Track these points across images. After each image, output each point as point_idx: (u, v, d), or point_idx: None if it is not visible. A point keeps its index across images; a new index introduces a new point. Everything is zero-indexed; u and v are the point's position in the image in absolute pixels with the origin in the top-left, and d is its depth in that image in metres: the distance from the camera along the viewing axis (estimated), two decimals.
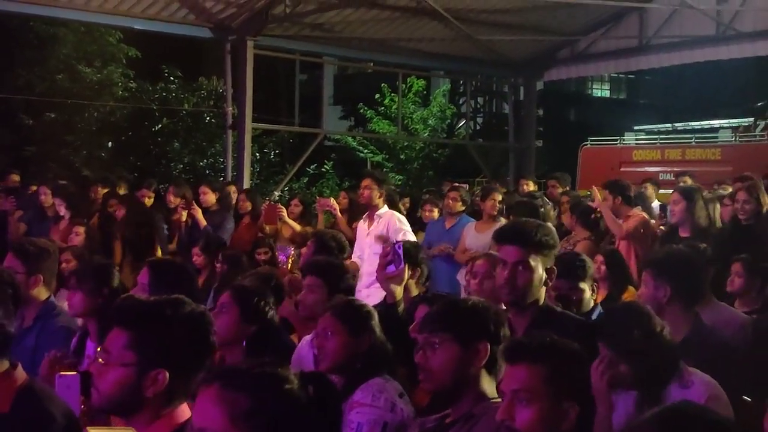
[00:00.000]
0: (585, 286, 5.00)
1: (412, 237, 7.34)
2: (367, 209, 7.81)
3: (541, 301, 3.73)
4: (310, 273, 4.80)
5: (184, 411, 2.48)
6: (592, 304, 5.09)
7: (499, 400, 2.95)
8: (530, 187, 10.73)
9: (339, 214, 9.01)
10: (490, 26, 15.43)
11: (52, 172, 12.84)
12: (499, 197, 8.72)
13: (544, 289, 3.79)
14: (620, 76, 38.36)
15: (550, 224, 4.27)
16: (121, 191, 10.37)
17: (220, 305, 4.26)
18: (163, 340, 2.47)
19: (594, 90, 41.85)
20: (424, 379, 3.13)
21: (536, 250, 3.69)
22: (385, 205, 7.80)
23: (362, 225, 7.88)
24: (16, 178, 11.35)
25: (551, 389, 2.63)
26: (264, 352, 3.95)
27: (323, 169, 25.13)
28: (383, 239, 7.47)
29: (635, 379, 3.35)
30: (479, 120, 34.61)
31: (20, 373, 2.97)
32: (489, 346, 3.05)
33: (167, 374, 2.44)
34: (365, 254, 7.63)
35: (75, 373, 3.28)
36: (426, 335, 3.12)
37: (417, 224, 9.66)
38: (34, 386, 2.95)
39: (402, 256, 4.34)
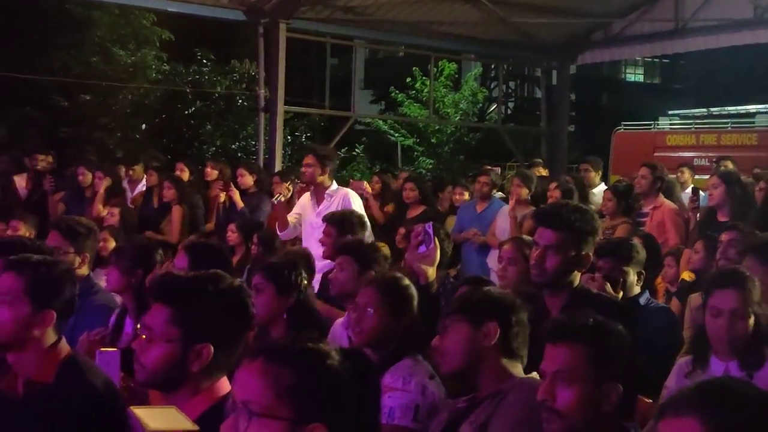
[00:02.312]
0: (630, 269, 4.98)
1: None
2: (314, 187, 7.39)
3: (576, 284, 3.75)
4: (341, 252, 4.85)
5: (224, 385, 2.53)
6: (638, 289, 5.06)
7: (527, 376, 2.97)
8: (541, 173, 10.69)
9: (371, 198, 9.03)
10: (523, 9, 15.33)
11: (94, 154, 12.91)
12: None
13: (578, 273, 3.80)
14: (654, 60, 37.98)
15: (591, 209, 4.25)
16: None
17: (255, 286, 4.31)
18: (206, 314, 2.51)
19: (627, 74, 41.50)
20: (440, 363, 3.21)
21: (572, 234, 3.70)
22: (334, 182, 7.47)
23: (307, 203, 7.50)
24: (52, 159, 11.46)
25: (592, 370, 2.61)
26: (304, 325, 4.02)
27: (354, 153, 25.15)
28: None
29: None
30: (510, 104, 34.44)
31: (64, 346, 3.05)
32: (498, 328, 3.08)
33: (211, 348, 2.49)
34: (312, 234, 7.13)
35: (115, 349, 3.35)
36: (441, 320, 3.21)
37: (448, 208, 9.69)
38: (78, 359, 3.03)
39: (432, 236, 4.35)
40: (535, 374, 2.98)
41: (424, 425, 3.43)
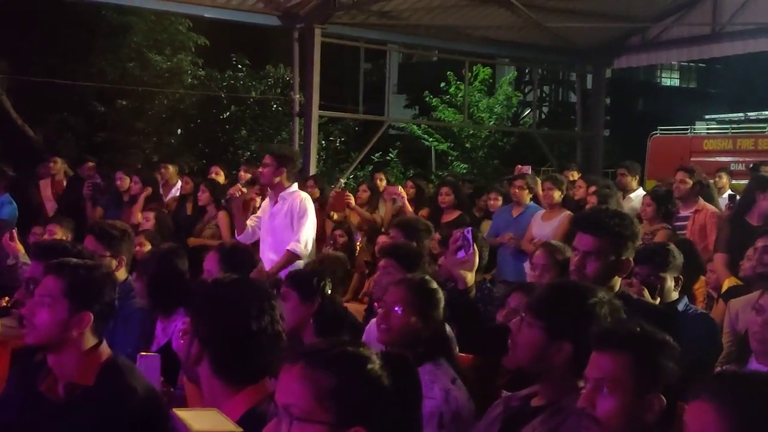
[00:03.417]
0: (667, 275, 4.93)
1: (312, 221, 6.96)
2: (269, 188, 7.16)
3: (616, 289, 3.71)
4: (386, 255, 4.86)
5: (264, 387, 2.55)
6: (676, 295, 5.00)
7: None
8: (574, 177, 10.64)
9: (406, 202, 9.01)
10: (559, 13, 15.26)
11: (136, 158, 13.05)
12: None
13: (618, 278, 3.77)
14: (690, 64, 37.66)
15: (630, 214, 4.22)
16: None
17: (282, 294, 4.36)
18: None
19: (663, 78, 41.18)
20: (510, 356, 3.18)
21: (611, 240, 3.67)
22: (294, 185, 7.15)
23: (265, 204, 7.32)
24: (91, 164, 11.60)
25: (636, 379, 2.54)
26: (334, 328, 4.04)
27: (388, 158, 25.17)
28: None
29: None
30: (545, 109, 34.31)
31: (105, 349, 3.08)
32: (572, 349, 2.94)
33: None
34: (266, 238, 7.05)
35: (156, 354, 3.38)
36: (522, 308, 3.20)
37: (483, 212, 9.66)
38: (118, 361, 3.06)
39: (471, 241, 4.32)
40: None
41: (449, 431, 3.41)
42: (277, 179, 6.93)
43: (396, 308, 3.71)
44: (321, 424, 1.97)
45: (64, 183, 11.13)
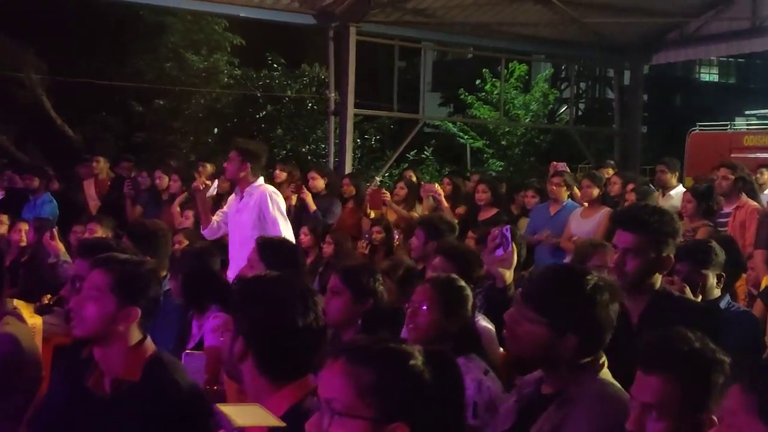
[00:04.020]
0: (709, 272, 4.88)
1: (284, 219, 6.82)
2: (237, 184, 6.94)
3: (657, 286, 3.68)
4: (441, 254, 4.85)
5: (308, 382, 2.56)
6: (718, 292, 4.95)
7: (596, 378, 2.85)
8: (609, 174, 10.57)
9: (443, 199, 8.99)
10: (596, 9, 15.16)
11: (174, 158, 13.16)
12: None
13: (659, 276, 3.73)
14: (729, 59, 37.23)
15: (671, 211, 4.18)
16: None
17: (331, 289, 4.30)
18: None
19: (702, 74, 40.76)
20: (508, 344, 3.08)
21: (651, 237, 3.63)
22: (260, 179, 6.95)
23: (231, 199, 7.11)
24: (128, 163, 11.73)
25: (686, 402, 2.46)
26: (379, 329, 4.02)
27: (423, 155, 25.14)
28: None
29: None
30: (581, 105, 34.10)
31: (150, 345, 3.11)
32: (577, 342, 2.84)
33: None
34: (234, 233, 6.87)
35: (201, 352, 3.41)
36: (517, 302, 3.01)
37: (520, 210, 9.62)
38: (163, 357, 3.08)
39: (510, 239, 4.31)
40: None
41: (483, 421, 3.42)
42: (242, 174, 6.79)
43: (422, 307, 3.75)
44: (362, 419, 1.98)
45: (108, 182, 11.26)
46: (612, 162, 13.32)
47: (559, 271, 3.13)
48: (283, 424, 2.07)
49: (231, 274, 6.40)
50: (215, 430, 2.25)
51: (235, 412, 2.06)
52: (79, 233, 8.25)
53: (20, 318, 3.93)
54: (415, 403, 1.98)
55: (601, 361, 2.88)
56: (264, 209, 6.69)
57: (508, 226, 4.43)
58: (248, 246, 6.37)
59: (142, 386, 2.98)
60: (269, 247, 4.92)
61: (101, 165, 11.48)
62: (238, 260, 6.44)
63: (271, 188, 6.96)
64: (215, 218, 7.07)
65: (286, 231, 6.71)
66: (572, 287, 2.85)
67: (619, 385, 2.86)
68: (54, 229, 7.51)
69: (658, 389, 2.47)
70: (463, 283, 3.92)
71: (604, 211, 8.11)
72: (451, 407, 2.04)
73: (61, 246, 7.35)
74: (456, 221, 7.71)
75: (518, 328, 2.89)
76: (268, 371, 2.57)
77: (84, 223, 8.27)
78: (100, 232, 7.23)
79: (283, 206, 6.90)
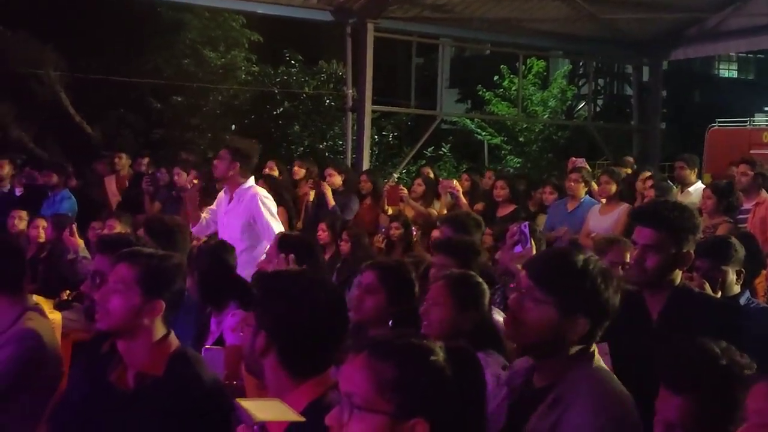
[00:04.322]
0: (729, 269, 4.85)
1: (276, 222, 6.63)
2: (227, 184, 6.78)
3: (677, 282, 3.66)
4: (440, 251, 4.82)
5: (328, 377, 2.56)
6: (737, 289, 4.92)
7: (589, 368, 2.72)
8: (628, 172, 10.53)
9: (461, 196, 8.98)
10: (614, 4, 15.10)
11: (192, 154, 13.16)
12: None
13: (679, 271, 3.71)
14: (748, 55, 36.97)
15: (692, 207, 4.15)
16: None
17: (366, 286, 4.21)
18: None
19: (721, 70, 40.52)
20: (510, 334, 2.90)
21: (671, 233, 3.61)
22: (250, 180, 6.80)
23: (220, 198, 6.95)
24: (146, 159, 11.77)
25: (711, 421, 2.43)
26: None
27: (440, 152, 25.11)
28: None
29: None
30: (599, 102, 33.96)
31: (173, 340, 3.13)
32: (588, 324, 2.72)
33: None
34: (224, 234, 6.62)
35: (219, 347, 3.42)
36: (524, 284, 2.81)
37: (538, 206, 9.60)
38: (186, 352, 3.10)
39: (528, 236, 4.29)
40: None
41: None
42: (231, 173, 6.64)
43: (435, 304, 3.76)
44: (381, 414, 1.98)
45: (127, 179, 11.31)
46: (631, 159, 13.27)
47: (565, 251, 3.04)
48: (303, 419, 2.08)
49: None
50: (236, 424, 2.25)
51: (255, 407, 2.06)
52: (97, 229, 8.30)
53: (42, 313, 3.96)
54: (435, 399, 1.98)
55: (591, 350, 2.77)
56: (256, 215, 6.54)
57: (527, 223, 4.42)
58: (237, 247, 6.07)
59: (165, 381, 2.99)
60: (288, 242, 4.91)
61: (123, 161, 11.53)
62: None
63: (262, 191, 6.80)
64: (204, 215, 6.97)
65: (278, 229, 6.44)
66: (580, 267, 2.73)
67: (612, 375, 2.79)
68: (73, 226, 7.56)
69: (682, 409, 2.45)
70: (478, 279, 3.91)
71: (623, 208, 8.09)
72: (472, 403, 2.03)
73: (80, 242, 7.40)
74: None
75: (523, 312, 2.73)
76: (290, 366, 2.56)
77: (102, 220, 8.32)
78: (119, 228, 7.26)
79: (274, 208, 6.77)
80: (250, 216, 6.54)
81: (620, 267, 5.00)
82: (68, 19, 19.36)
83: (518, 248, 4.25)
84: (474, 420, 2.03)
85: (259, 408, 2.06)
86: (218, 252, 5.12)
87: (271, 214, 6.63)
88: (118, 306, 3.09)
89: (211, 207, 7.03)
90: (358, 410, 1.99)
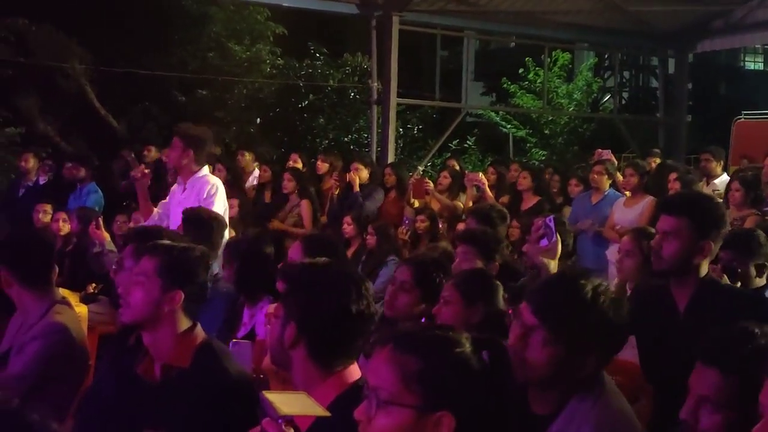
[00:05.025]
0: (751, 262, 4.83)
1: (219, 209, 6.23)
2: (177, 172, 6.56)
3: (703, 274, 3.63)
4: (464, 242, 4.82)
5: (354, 371, 2.55)
6: (759, 282, 4.89)
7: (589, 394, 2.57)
8: (657, 162, 10.47)
9: (487, 189, 8.96)
10: None
11: (218, 146, 13.18)
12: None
13: (705, 264, 3.69)
14: None
15: (719, 200, 4.12)
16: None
17: (401, 283, 4.21)
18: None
19: (747, 62, 40.16)
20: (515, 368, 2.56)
21: (691, 221, 3.58)
22: (204, 168, 6.51)
23: (174, 190, 6.67)
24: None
25: (744, 398, 2.37)
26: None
27: (465, 145, 25.05)
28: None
29: None
30: (625, 94, 33.76)
31: (199, 332, 3.14)
32: (597, 359, 2.58)
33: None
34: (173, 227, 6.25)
35: (248, 341, 3.43)
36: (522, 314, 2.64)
37: (564, 198, 9.57)
38: (213, 344, 3.11)
39: (554, 229, 4.27)
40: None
41: None
42: (184, 161, 6.39)
43: (446, 302, 3.83)
44: (406, 406, 1.97)
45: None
46: (658, 151, 13.18)
47: (570, 280, 2.69)
48: (329, 414, 2.07)
49: None
50: (262, 417, 2.25)
51: (281, 400, 2.06)
52: (121, 223, 8.35)
53: (70, 306, 3.99)
54: (460, 392, 1.98)
55: (600, 376, 2.63)
56: (207, 203, 6.21)
57: (552, 216, 4.40)
58: None
59: (191, 373, 3.00)
60: (313, 241, 4.89)
61: (152, 154, 11.58)
62: None
63: (214, 179, 6.55)
64: (156, 209, 6.70)
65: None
66: (589, 299, 2.55)
67: (621, 398, 2.65)
68: (99, 219, 7.60)
69: (716, 383, 2.42)
70: (487, 274, 3.93)
71: (648, 200, 8.05)
72: (498, 396, 2.03)
73: (106, 235, 7.45)
74: None
75: (528, 350, 2.54)
76: (318, 358, 2.55)
77: (128, 213, 8.37)
78: (144, 221, 7.30)
79: (224, 196, 6.44)
80: (201, 204, 6.18)
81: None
82: (93, 12, 19.43)
83: (544, 242, 4.22)
84: (500, 412, 2.03)
85: (285, 401, 2.05)
86: (258, 243, 5.13)
87: (223, 202, 6.36)
88: (139, 298, 3.11)
89: (163, 201, 6.75)
90: (384, 404, 1.98)
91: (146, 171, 6.87)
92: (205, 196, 6.25)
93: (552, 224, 4.24)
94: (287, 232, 8.83)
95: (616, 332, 2.60)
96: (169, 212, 6.51)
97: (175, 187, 6.63)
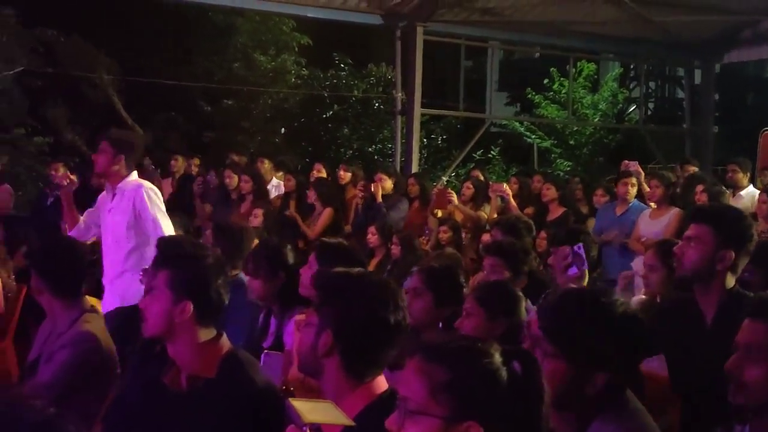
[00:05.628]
0: None
1: (164, 217, 6.03)
2: (106, 179, 6.21)
3: (730, 286, 3.62)
4: (491, 254, 4.81)
5: (382, 382, 2.55)
6: None
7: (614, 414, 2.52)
8: (692, 170, 10.42)
9: (512, 199, 8.95)
10: (666, 6, 14.91)
11: (243, 156, 13.26)
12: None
13: (731, 276, 3.67)
14: None
15: (746, 214, 4.10)
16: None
17: (413, 290, 4.25)
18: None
19: None
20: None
21: (715, 230, 3.57)
22: (134, 173, 6.15)
23: (102, 198, 6.31)
24: (197, 161, 11.89)
25: None
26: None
27: (490, 155, 25.01)
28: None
29: None
30: (650, 105, 33.59)
31: (225, 342, 3.14)
32: (605, 379, 2.50)
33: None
34: (106, 236, 6.12)
35: (280, 352, 3.44)
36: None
37: (589, 209, 9.54)
38: (238, 354, 3.11)
39: (584, 257, 4.26)
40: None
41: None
42: (115, 167, 6.04)
43: (468, 315, 3.86)
44: (434, 417, 1.97)
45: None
46: (695, 161, 13.07)
47: (571, 295, 2.73)
48: (353, 424, 2.07)
49: (105, 280, 6.01)
50: (286, 424, 2.26)
51: (306, 408, 2.07)
52: None
53: (99, 315, 4.03)
54: (488, 402, 1.97)
55: (623, 395, 2.58)
56: (141, 209, 5.95)
57: (580, 244, 4.37)
58: (123, 248, 5.94)
59: (217, 383, 3.00)
60: (328, 249, 4.88)
61: (179, 163, 11.67)
62: (114, 263, 5.98)
63: (146, 183, 6.20)
64: (83, 218, 6.40)
65: (168, 228, 5.99)
66: (587, 312, 2.55)
67: (647, 416, 2.60)
68: None
69: (761, 334, 2.54)
70: (507, 285, 3.93)
71: (674, 212, 8.01)
72: (528, 407, 2.02)
73: None
74: None
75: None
76: (352, 367, 2.55)
77: None
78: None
79: (161, 201, 6.13)
80: (135, 211, 5.96)
81: None
82: (121, 23, 19.62)
83: (573, 270, 4.21)
84: (530, 424, 2.02)
85: (310, 409, 2.06)
86: (276, 253, 5.13)
87: (158, 207, 6.03)
88: (154, 312, 3.11)
89: (91, 209, 6.46)
90: (413, 414, 1.98)
91: (72, 178, 6.50)
92: (139, 203, 5.96)
93: (582, 252, 4.21)
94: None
95: (626, 348, 2.56)
96: (99, 221, 6.22)
97: (103, 195, 6.29)
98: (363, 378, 2.56)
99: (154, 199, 6.02)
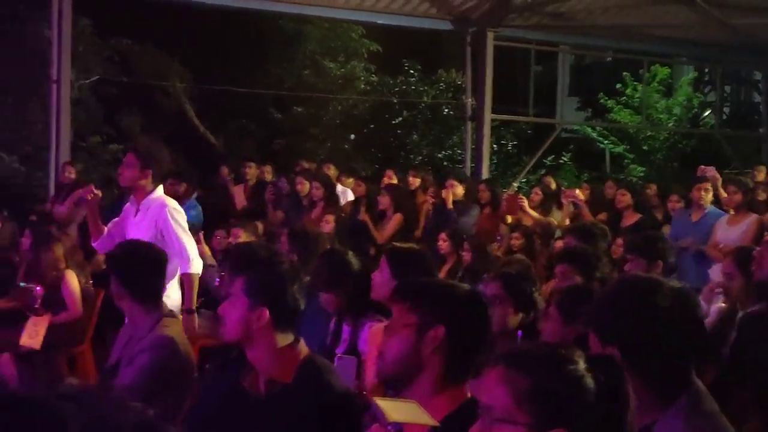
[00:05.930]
0: None
1: (187, 236, 5.95)
2: (134, 193, 6.04)
3: None
4: (562, 261, 4.77)
5: (467, 390, 2.56)
6: None
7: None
8: (762, 175, 10.19)
9: (584, 205, 8.86)
10: (741, 9, 14.63)
11: (313, 163, 13.37)
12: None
13: None
14: None
15: None
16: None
17: (492, 296, 4.19)
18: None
19: None
20: None
21: None
22: (159, 189, 6.02)
23: (126, 210, 6.18)
24: (268, 168, 12.00)
25: None
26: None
27: (561, 161, 24.77)
28: None
29: None
30: (726, 109, 32.96)
31: (302, 347, 3.15)
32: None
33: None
34: None
35: (352, 356, 3.45)
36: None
37: (664, 215, 9.39)
38: (315, 360, 3.12)
39: None
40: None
41: None
42: (142, 182, 5.92)
43: (546, 316, 3.96)
44: (519, 425, 1.96)
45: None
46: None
47: (620, 284, 2.68)
48: (436, 424, 2.07)
49: None
50: (370, 423, 2.26)
51: (391, 407, 2.07)
52: (221, 238, 8.50)
53: (178, 319, 4.08)
54: (574, 410, 1.94)
55: (692, 385, 2.50)
56: (164, 228, 5.86)
57: None
58: None
59: (294, 388, 3.01)
60: (399, 253, 4.84)
61: (252, 171, 11.80)
62: None
63: (171, 202, 6.07)
64: (107, 229, 6.23)
65: (191, 247, 5.95)
66: (633, 300, 2.49)
67: (712, 401, 2.53)
68: (200, 234, 7.75)
69: None
70: (586, 290, 3.93)
71: (752, 218, 7.84)
72: (615, 414, 1.98)
73: (206, 250, 7.59)
74: None
75: None
76: (452, 370, 2.56)
77: (227, 228, 8.51)
78: (244, 237, 7.42)
79: (184, 221, 6.04)
80: (158, 230, 5.85)
81: None
82: (193, 32, 19.92)
83: None
84: (618, 430, 1.98)
85: (395, 408, 2.07)
86: (340, 263, 5.14)
87: (183, 228, 5.94)
88: (231, 318, 3.13)
89: (116, 220, 6.29)
90: (497, 422, 1.97)
91: (96, 192, 6.23)
92: (162, 222, 5.87)
93: None
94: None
95: (680, 335, 2.49)
96: (124, 232, 6.06)
97: (127, 206, 6.19)
98: (458, 380, 2.56)
99: (178, 218, 5.95)
